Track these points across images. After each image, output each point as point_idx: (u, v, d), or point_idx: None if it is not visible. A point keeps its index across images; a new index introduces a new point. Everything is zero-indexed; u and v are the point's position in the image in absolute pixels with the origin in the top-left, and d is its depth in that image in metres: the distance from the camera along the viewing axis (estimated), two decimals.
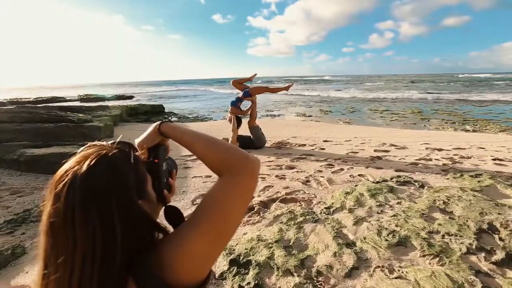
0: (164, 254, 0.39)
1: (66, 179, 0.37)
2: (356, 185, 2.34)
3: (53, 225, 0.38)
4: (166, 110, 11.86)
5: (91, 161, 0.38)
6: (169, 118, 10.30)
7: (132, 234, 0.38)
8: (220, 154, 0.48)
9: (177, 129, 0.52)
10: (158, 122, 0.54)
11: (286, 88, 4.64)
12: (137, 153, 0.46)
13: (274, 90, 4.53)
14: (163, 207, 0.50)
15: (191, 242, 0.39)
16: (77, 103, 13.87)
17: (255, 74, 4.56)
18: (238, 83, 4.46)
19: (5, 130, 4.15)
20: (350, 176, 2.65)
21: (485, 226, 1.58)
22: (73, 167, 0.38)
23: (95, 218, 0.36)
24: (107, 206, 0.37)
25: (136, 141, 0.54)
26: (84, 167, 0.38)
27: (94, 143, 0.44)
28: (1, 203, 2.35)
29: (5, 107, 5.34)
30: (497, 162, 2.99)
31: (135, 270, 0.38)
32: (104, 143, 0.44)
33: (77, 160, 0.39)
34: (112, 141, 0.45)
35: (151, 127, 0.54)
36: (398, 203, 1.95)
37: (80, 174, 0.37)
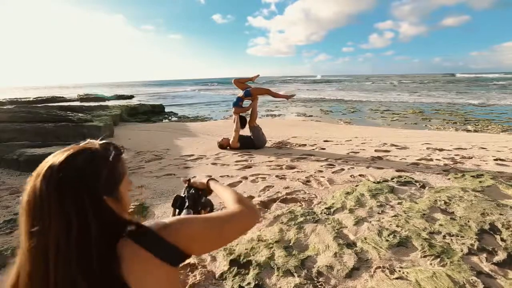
0: (180, 228, 0.49)
1: (48, 163, 0.45)
2: (356, 185, 2.33)
3: (30, 203, 0.43)
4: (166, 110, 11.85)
5: (72, 152, 0.46)
6: (170, 118, 10.30)
7: (100, 218, 0.44)
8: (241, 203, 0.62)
9: (218, 185, 0.74)
10: (208, 178, 0.76)
11: (287, 97, 4.60)
12: (122, 155, 0.53)
13: (275, 95, 4.50)
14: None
15: (200, 228, 0.51)
16: (77, 103, 13.88)
17: (258, 75, 4.55)
18: (240, 82, 4.45)
19: (5, 129, 4.15)
20: (350, 176, 2.64)
21: (486, 227, 1.57)
22: (56, 155, 0.46)
23: (67, 198, 0.43)
24: (77, 190, 0.44)
25: (192, 180, 0.81)
26: (65, 155, 0.45)
27: (89, 140, 0.51)
28: (1, 203, 2.35)
29: (5, 107, 5.35)
30: (499, 162, 2.97)
31: (144, 239, 0.45)
32: (95, 141, 0.51)
33: (63, 150, 0.47)
34: (101, 140, 0.52)
35: (203, 179, 0.79)
36: (399, 203, 1.94)
37: (60, 160, 0.45)
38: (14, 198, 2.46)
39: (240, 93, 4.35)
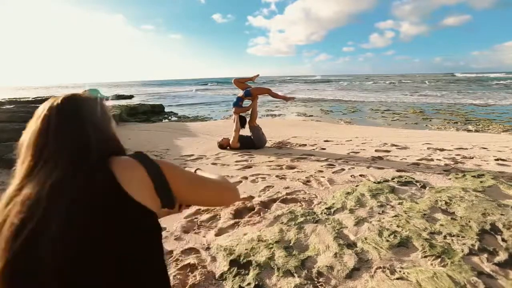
0: (169, 165, 0.56)
1: (47, 103, 0.53)
2: (357, 185, 2.33)
3: (32, 136, 0.51)
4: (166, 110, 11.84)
5: (66, 95, 0.55)
6: (169, 117, 10.30)
7: (100, 134, 0.53)
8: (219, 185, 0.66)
9: (204, 172, 0.71)
10: (195, 169, 0.74)
11: (286, 99, 4.58)
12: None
13: (275, 95, 4.48)
14: None
15: (185, 174, 0.59)
16: None
17: (258, 75, 4.54)
18: (240, 82, 4.44)
19: (4, 129, 4.15)
20: (351, 176, 2.64)
21: (487, 227, 1.56)
22: (50, 100, 0.54)
23: (69, 123, 0.51)
24: (77, 117, 0.52)
25: None
26: (60, 97, 0.54)
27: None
28: None
29: (4, 107, 5.35)
30: (500, 162, 2.97)
31: (140, 156, 0.53)
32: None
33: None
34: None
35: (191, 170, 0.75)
36: (399, 203, 1.94)
37: (59, 99, 0.53)
38: None
39: (240, 93, 4.34)
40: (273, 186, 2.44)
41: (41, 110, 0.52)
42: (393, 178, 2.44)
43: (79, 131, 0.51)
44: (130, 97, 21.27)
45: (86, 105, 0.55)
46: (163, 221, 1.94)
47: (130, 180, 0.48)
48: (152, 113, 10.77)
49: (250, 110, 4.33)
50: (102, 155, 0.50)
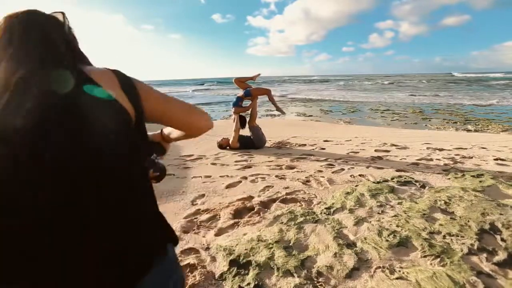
0: (142, 84, 0.56)
1: (7, 16, 0.50)
2: (356, 185, 2.33)
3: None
4: None
5: (29, 9, 0.52)
6: None
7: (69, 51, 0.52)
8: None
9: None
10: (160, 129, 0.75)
11: (279, 110, 4.51)
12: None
13: (272, 100, 4.46)
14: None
15: (157, 92, 0.59)
16: None
17: (259, 74, 4.53)
18: (240, 81, 4.43)
19: None
20: (350, 176, 2.64)
21: (486, 227, 1.56)
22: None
23: (38, 31, 0.49)
24: (46, 27, 0.51)
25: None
26: (24, 10, 0.51)
27: None
28: None
29: None
30: (499, 162, 2.97)
31: (115, 70, 0.53)
32: None
33: None
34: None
35: (157, 133, 0.78)
36: (399, 203, 1.94)
37: (20, 12, 0.50)
38: None
39: (240, 93, 4.34)
40: (272, 186, 2.44)
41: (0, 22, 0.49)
42: (392, 178, 2.45)
43: (46, 39, 0.49)
44: None
45: (51, 18, 0.53)
46: None
47: (100, 79, 0.49)
48: None
49: (250, 110, 4.33)
50: (72, 64, 0.49)
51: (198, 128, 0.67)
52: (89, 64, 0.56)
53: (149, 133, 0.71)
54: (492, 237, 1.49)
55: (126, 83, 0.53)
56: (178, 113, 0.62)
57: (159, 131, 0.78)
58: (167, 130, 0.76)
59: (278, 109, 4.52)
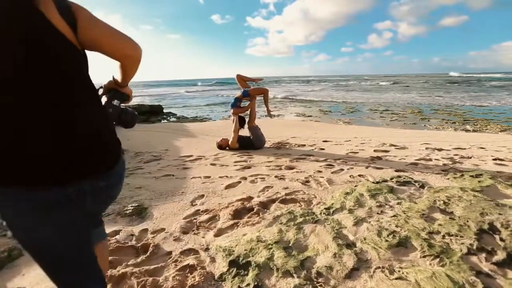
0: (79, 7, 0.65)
1: None
2: (356, 186, 2.33)
3: None
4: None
5: None
6: (168, 118, 10.29)
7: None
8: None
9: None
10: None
11: (268, 111, 4.45)
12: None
13: (266, 101, 4.44)
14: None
15: (91, 14, 0.67)
16: None
17: (261, 79, 4.53)
18: (242, 79, 4.42)
19: None
20: (350, 176, 2.64)
21: (485, 227, 1.56)
22: None
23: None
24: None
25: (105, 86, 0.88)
26: None
27: None
28: None
29: None
30: (498, 162, 2.98)
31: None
32: None
33: None
34: None
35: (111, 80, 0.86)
36: (398, 203, 1.94)
37: None
38: None
39: (238, 93, 4.35)
40: (272, 187, 2.44)
41: None
42: (391, 178, 2.45)
43: None
44: None
45: None
46: (162, 222, 1.93)
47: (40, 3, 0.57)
48: (151, 113, 10.75)
49: (249, 110, 4.32)
50: None
51: (125, 55, 0.72)
52: None
53: (103, 83, 0.86)
54: (491, 237, 1.49)
55: (59, 1, 0.61)
56: (106, 35, 0.68)
57: (110, 78, 0.85)
58: (116, 74, 0.83)
59: (268, 111, 4.47)
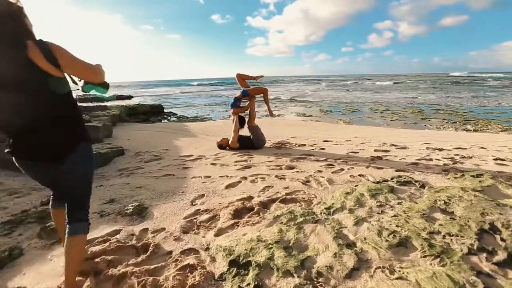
0: (58, 48, 1.03)
1: None
2: (356, 185, 2.33)
3: None
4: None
5: None
6: (169, 118, 10.29)
7: (17, 29, 1.01)
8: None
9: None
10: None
11: (269, 111, 4.45)
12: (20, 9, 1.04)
13: (266, 101, 4.44)
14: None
15: (68, 53, 1.06)
16: None
17: (262, 76, 4.52)
18: (242, 78, 4.42)
19: None
20: (350, 176, 2.64)
21: (486, 227, 1.56)
22: None
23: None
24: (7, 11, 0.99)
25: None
26: None
27: None
28: None
29: None
30: (499, 162, 2.97)
31: (40, 44, 1.00)
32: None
33: None
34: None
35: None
36: (398, 203, 1.94)
37: None
38: (12, 199, 2.45)
39: (237, 93, 4.35)
40: (272, 186, 2.44)
41: None
42: (392, 178, 2.45)
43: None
44: (129, 97, 21.25)
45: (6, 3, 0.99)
46: (162, 222, 1.92)
47: (31, 52, 0.97)
48: (151, 113, 10.76)
49: (248, 109, 4.32)
50: (19, 38, 0.98)
51: (91, 79, 1.20)
52: (34, 38, 1.04)
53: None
54: (492, 237, 1.49)
55: (45, 51, 1.00)
56: (81, 70, 1.13)
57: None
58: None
59: (269, 110, 4.47)
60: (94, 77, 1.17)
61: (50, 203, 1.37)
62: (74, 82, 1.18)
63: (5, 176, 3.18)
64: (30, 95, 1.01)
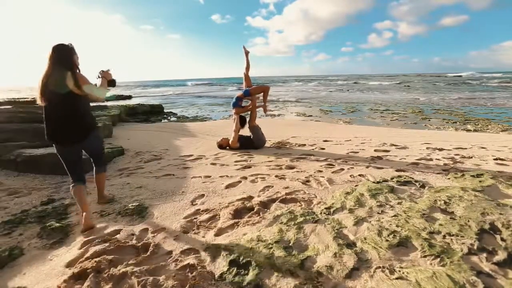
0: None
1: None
2: (356, 185, 2.33)
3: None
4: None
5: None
6: (169, 118, 10.29)
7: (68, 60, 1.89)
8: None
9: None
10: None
11: (264, 107, 4.38)
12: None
13: (266, 98, 4.41)
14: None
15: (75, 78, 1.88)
16: None
17: (248, 51, 4.49)
18: (248, 78, 4.40)
19: (3, 130, 4.13)
20: (350, 176, 2.64)
21: (486, 227, 1.56)
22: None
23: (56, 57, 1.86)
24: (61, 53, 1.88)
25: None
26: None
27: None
28: None
29: (3, 107, 5.32)
30: (499, 162, 2.97)
31: (72, 74, 1.86)
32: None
33: None
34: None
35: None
36: (398, 203, 1.94)
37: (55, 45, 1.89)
38: (12, 199, 2.45)
39: (239, 93, 4.34)
40: (272, 186, 2.44)
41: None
42: (392, 178, 2.45)
43: (62, 57, 1.87)
44: (129, 97, 21.25)
45: (66, 46, 1.89)
46: (162, 222, 1.92)
47: (68, 81, 1.82)
48: (151, 113, 10.75)
49: (250, 108, 4.31)
50: (65, 68, 1.84)
51: (96, 100, 2.00)
52: (79, 70, 1.93)
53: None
54: (492, 237, 1.49)
55: (74, 77, 1.83)
56: (91, 94, 1.90)
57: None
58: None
59: (264, 106, 4.37)
60: (99, 99, 1.99)
61: (71, 185, 1.96)
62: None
63: (5, 176, 3.19)
64: (66, 102, 1.84)
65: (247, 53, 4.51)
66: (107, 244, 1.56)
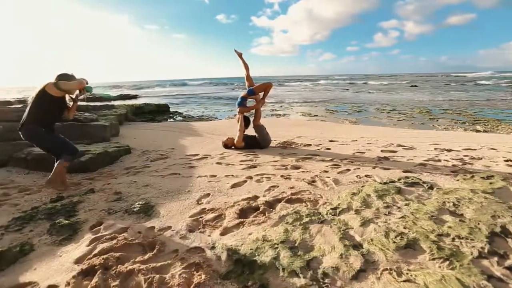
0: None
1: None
2: (363, 186, 2.30)
3: None
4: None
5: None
6: (174, 117, 10.37)
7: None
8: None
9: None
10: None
11: (262, 102, 4.34)
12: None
13: (267, 93, 4.40)
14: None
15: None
16: (83, 103, 14.04)
17: (241, 53, 4.52)
18: (249, 78, 4.40)
19: (13, 128, 4.21)
20: (356, 176, 2.61)
21: (497, 230, 1.53)
22: None
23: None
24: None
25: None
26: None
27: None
28: (10, 201, 2.39)
29: (13, 106, 5.44)
30: (510, 163, 2.90)
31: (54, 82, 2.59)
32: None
33: None
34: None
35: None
36: (406, 204, 1.91)
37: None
38: (22, 196, 2.51)
39: (243, 92, 4.34)
40: (278, 186, 2.43)
41: None
42: (399, 179, 2.41)
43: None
44: (135, 96, 21.49)
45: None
46: (168, 220, 1.93)
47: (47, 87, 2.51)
48: (157, 112, 10.85)
49: (255, 108, 4.31)
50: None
51: (70, 93, 2.70)
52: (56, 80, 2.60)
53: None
54: (504, 240, 1.46)
55: (57, 84, 2.50)
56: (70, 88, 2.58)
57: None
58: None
59: (262, 99, 4.31)
60: (71, 92, 2.66)
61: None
62: (80, 92, 2.65)
63: (16, 173, 3.26)
64: (46, 105, 2.53)
65: (240, 55, 4.54)
66: (114, 242, 1.58)
